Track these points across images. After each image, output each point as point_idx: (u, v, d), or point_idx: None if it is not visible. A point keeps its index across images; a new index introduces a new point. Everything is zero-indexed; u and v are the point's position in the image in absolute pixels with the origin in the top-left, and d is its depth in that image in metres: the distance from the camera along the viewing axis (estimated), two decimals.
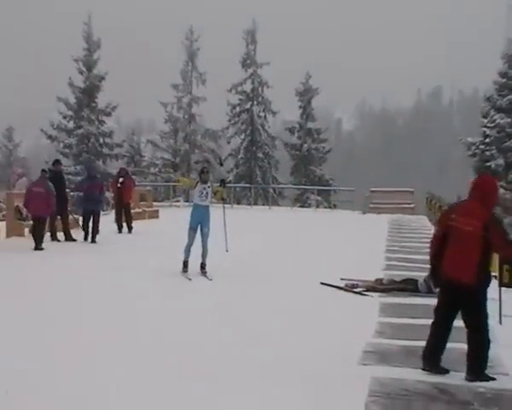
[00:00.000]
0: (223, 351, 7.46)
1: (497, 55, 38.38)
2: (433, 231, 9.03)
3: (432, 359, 6.80)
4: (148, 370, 6.66)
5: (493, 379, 6.59)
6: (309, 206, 39.83)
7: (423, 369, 6.78)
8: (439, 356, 6.81)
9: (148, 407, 5.76)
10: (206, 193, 12.56)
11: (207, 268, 12.47)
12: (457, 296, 6.77)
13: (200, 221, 12.49)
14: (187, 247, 12.48)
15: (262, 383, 6.32)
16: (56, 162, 18.73)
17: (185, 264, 12.44)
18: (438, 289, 7.33)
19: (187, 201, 36.71)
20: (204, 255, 12.56)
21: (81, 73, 42.98)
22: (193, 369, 6.70)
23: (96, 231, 17.41)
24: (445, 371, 6.72)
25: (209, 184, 12.71)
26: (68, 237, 17.54)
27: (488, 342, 6.70)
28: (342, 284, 11.88)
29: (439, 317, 6.92)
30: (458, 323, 8.84)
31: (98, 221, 17.58)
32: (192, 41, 47.02)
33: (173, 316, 9.17)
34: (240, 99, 47.23)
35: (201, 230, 12.50)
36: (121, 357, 7.09)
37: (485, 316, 6.74)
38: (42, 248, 15.67)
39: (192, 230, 12.49)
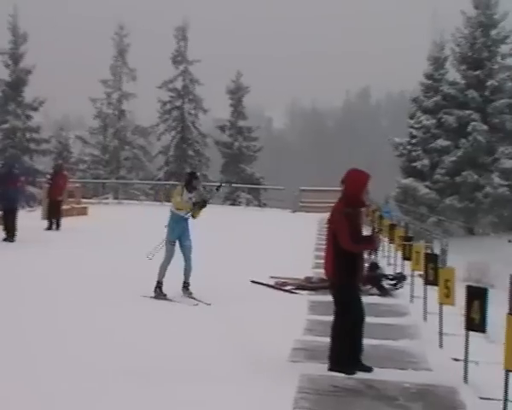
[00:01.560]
0: (151, 355, 7.44)
1: (424, 58, 39.42)
2: None
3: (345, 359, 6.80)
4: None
5: (350, 373, 6.63)
6: (239, 204, 39.90)
7: (329, 370, 6.77)
8: (358, 355, 6.83)
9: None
10: (192, 203, 10.70)
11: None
12: None
13: (180, 234, 10.65)
14: (164, 264, 10.59)
15: (188, 384, 6.31)
16: None
17: (160, 285, 10.54)
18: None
19: (116, 198, 36.29)
20: (187, 273, 10.71)
21: (7, 66, 41.74)
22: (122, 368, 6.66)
23: (13, 228, 16.73)
24: (368, 369, 6.78)
25: (194, 194, 10.85)
26: None
27: (340, 338, 6.74)
28: (272, 283, 11.98)
29: None
30: (377, 320, 9.09)
31: (14, 218, 16.86)
32: (122, 36, 46.43)
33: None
34: (171, 96, 46.78)
35: (182, 244, 10.67)
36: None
37: (341, 312, 6.82)
38: None
39: (171, 244, 10.61)
